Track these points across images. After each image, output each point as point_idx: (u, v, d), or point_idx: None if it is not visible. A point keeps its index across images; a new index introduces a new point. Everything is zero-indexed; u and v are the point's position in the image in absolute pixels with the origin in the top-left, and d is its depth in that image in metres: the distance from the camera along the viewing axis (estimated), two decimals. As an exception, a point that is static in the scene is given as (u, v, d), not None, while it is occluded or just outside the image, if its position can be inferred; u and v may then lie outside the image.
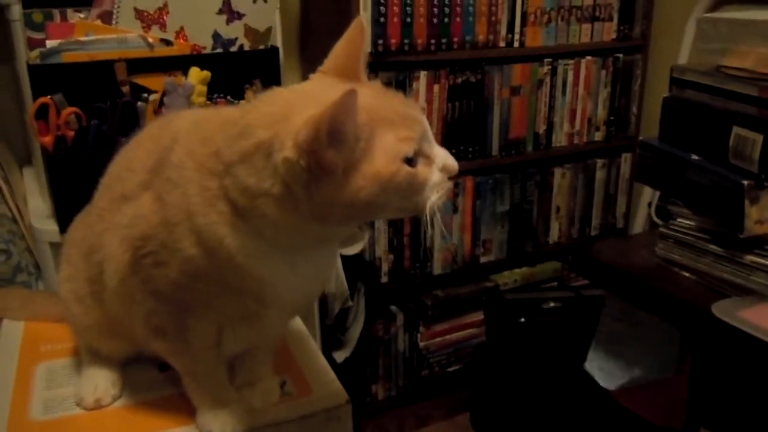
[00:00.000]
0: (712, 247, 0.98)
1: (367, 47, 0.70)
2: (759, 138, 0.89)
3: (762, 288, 0.93)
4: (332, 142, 0.58)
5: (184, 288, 0.69)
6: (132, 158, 0.77)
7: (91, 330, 0.84)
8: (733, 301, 0.92)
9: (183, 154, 0.67)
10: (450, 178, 0.66)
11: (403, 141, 0.62)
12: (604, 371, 1.04)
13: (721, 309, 0.89)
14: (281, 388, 0.87)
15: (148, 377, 0.88)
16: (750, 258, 0.94)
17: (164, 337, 0.75)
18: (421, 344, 2.06)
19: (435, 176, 0.65)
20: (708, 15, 1.03)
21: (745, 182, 0.91)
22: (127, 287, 0.73)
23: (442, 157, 0.66)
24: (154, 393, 0.85)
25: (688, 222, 1.01)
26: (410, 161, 0.62)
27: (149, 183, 0.71)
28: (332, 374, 0.91)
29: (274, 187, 0.61)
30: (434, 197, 0.65)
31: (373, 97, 0.64)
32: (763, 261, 0.92)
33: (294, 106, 0.62)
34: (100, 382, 0.84)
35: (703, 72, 1.01)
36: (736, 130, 0.92)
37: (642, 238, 1.29)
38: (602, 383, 1.04)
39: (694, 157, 1.01)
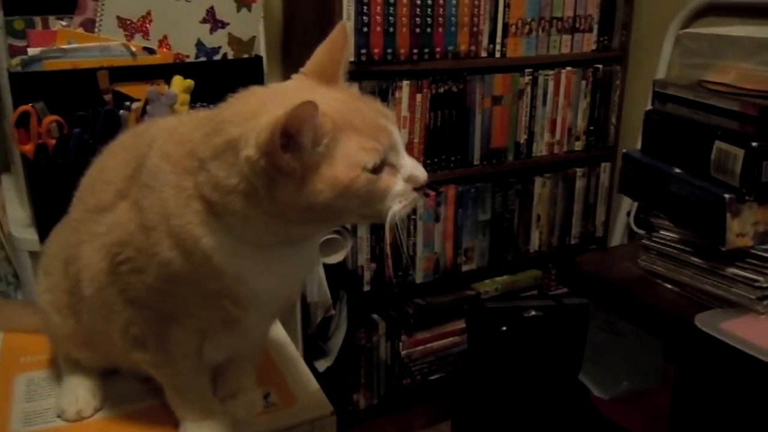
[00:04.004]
0: (694, 259, 0.99)
1: (349, 53, 0.71)
2: (740, 152, 0.90)
3: (743, 300, 0.94)
4: (287, 147, 0.59)
5: (163, 294, 0.69)
6: (106, 169, 0.77)
7: (71, 340, 0.84)
8: (716, 313, 0.93)
9: (158, 158, 0.68)
10: (418, 189, 0.67)
11: (366, 150, 0.63)
12: (597, 382, 1.05)
13: (703, 321, 0.90)
14: (265, 399, 0.87)
15: (130, 388, 0.87)
16: (731, 270, 0.95)
17: (145, 348, 0.74)
18: (403, 353, 2.06)
19: (399, 186, 0.65)
20: (690, 30, 1.05)
21: (727, 196, 0.92)
22: (104, 297, 0.73)
23: (409, 167, 0.66)
24: (136, 404, 0.84)
25: (670, 234, 1.03)
26: (373, 170, 0.63)
27: (126, 192, 0.71)
28: (316, 385, 0.92)
29: (241, 184, 0.62)
30: (397, 207, 0.65)
31: (344, 102, 0.65)
32: (744, 273, 0.94)
33: (265, 104, 0.63)
34: (81, 393, 0.84)
35: (684, 86, 1.03)
36: (717, 144, 0.94)
37: (625, 249, 1.31)
38: (596, 394, 1.05)
39: (676, 170, 1.02)
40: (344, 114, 0.63)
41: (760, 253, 0.93)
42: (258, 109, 0.62)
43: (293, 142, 0.59)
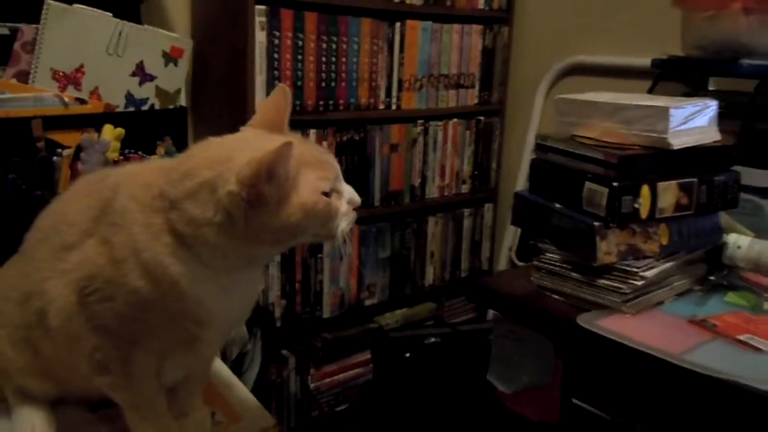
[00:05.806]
0: (574, 274, 1.19)
1: (290, 106, 0.85)
2: (605, 191, 1.11)
3: (612, 303, 1.14)
4: (269, 180, 0.72)
5: (129, 319, 0.76)
6: (68, 212, 0.84)
7: (27, 372, 0.88)
8: (593, 314, 1.12)
9: (126, 199, 0.78)
10: (355, 210, 0.83)
11: (321, 179, 0.78)
12: (502, 380, 1.24)
13: (584, 320, 1.10)
14: (212, 417, 0.94)
15: (80, 417, 0.91)
16: (602, 281, 1.15)
17: (108, 372, 0.81)
18: (312, 385, 2.12)
19: (344, 207, 0.81)
20: (563, 96, 1.28)
21: (596, 224, 1.13)
22: (71, 327, 0.79)
23: (349, 192, 0.82)
24: (88, 432, 0.88)
25: (554, 256, 1.23)
26: (327, 195, 0.78)
27: (92, 231, 0.79)
28: (256, 401, 0.99)
29: (216, 216, 0.73)
30: (343, 224, 0.81)
31: (297, 145, 0.77)
32: (611, 283, 1.14)
33: (233, 150, 0.76)
34: (37, 421, 0.88)
35: (560, 139, 1.25)
36: (587, 184, 1.15)
37: (519, 271, 1.52)
38: (501, 389, 1.23)
39: (557, 205, 1.23)
40: (300, 153, 0.77)
41: (622, 267, 1.14)
42: (228, 154, 0.75)
43: (273, 175, 0.72)
